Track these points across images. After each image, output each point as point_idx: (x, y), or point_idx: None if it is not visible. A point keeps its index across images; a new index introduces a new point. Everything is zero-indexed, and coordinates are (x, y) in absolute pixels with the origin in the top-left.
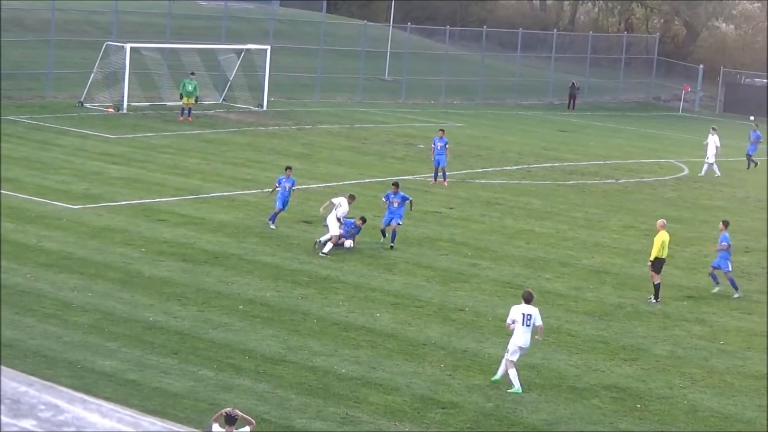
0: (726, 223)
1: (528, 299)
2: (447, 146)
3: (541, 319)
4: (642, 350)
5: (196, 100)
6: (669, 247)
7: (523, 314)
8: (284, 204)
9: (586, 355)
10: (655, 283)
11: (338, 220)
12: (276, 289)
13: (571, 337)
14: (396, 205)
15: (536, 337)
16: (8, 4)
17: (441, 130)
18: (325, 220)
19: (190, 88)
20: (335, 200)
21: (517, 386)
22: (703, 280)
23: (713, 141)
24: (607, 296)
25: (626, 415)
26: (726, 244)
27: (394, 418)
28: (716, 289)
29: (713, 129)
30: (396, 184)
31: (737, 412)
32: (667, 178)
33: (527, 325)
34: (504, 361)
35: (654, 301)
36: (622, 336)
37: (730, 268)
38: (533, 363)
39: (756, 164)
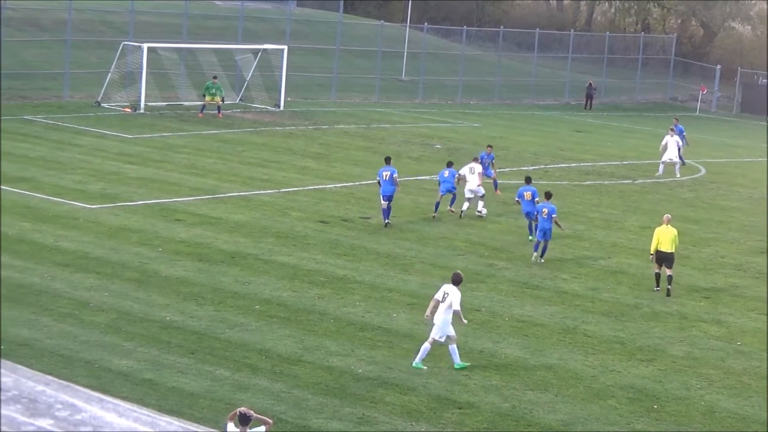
0: None
1: (454, 281)
2: (493, 162)
3: (458, 304)
4: (659, 351)
5: (222, 99)
6: (688, 248)
7: (443, 292)
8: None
9: (602, 355)
10: (656, 272)
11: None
12: (292, 289)
13: (588, 338)
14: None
15: (463, 321)
16: (24, 4)
17: (489, 146)
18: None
19: (213, 91)
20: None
21: (418, 362)
22: (720, 280)
23: (674, 141)
24: (623, 297)
25: (643, 416)
26: None
27: (410, 418)
28: None
29: (672, 129)
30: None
31: (754, 414)
32: (684, 178)
33: (443, 302)
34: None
35: (667, 294)
36: (638, 337)
37: None
38: (550, 363)
39: None
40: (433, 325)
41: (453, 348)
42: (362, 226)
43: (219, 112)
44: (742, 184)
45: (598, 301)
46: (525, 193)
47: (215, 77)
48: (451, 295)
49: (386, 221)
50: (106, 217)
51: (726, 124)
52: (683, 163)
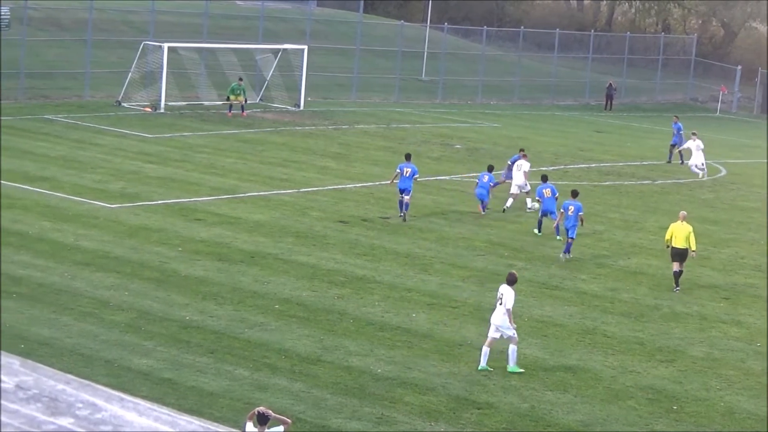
0: None
1: (509, 280)
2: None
3: (511, 303)
4: (678, 352)
5: (245, 100)
6: (707, 249)
7: (499, 293)
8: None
9: (622, 356)
10: (675, 271)
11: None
12: (312, 288)
13: (607, 339)
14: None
15: (513, 325)
16: (46, 4)
17: (521, 150)
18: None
19: (238, 91)
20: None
21: (483, 365)
22: (739, 281)
23: (696, 146)
24: (643, 297)
25: (662, 417)
26: None
27: (429, 419)
28: None
29: (694, 134)
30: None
31: None
32: (704, 179)
33: (500, 304)
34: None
35: (676, 289)
36: (658, 337)
37: None
38: (569, 364)
39: None
40: (492, 325)
41: (513, 349)
42: (382, 226)
43: (243, 111)
44: (762, 185)
45: (617, 301)
46: (544, 191)
47: (241, 79)
48: (505, 295)
49: (402, 213)
50: (126, 216)
51: (746, 124)
52: (681, 162)
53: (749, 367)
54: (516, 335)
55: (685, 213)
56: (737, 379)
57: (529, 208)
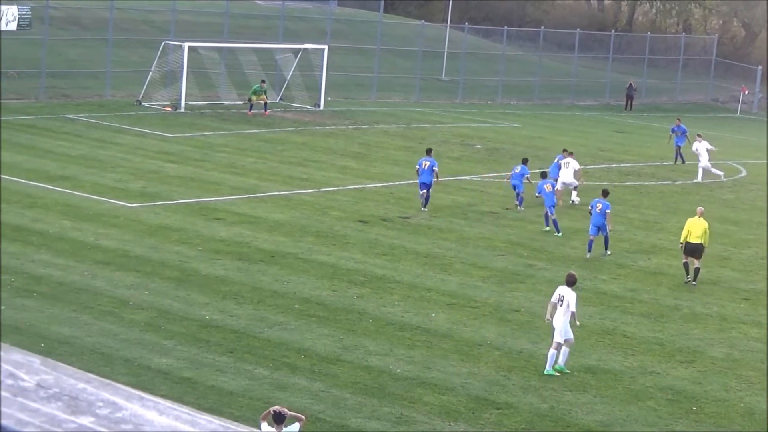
0: None
1: (568, 282)
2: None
3: (575, 305)
4: (698, 352)
5: (267, 99)
6: (728, 249)
7: (559, 295)
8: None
9: (641, 356)
10: (685, 261)
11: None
12: (332, 288)
13: (627, 339)
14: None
15: (577, 323)
16: (67, 4)
17: (565, 150)
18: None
19: (260, 92)
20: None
21: (549, 369)
22: (760, 282)
23: (703, 147)
24: (663, 298)
25: (682, 418)
26: None
27: (449, 418)
28: None
29: (699, 136)
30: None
31: None
32: (724, 179)
33: (561, 305)
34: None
35: (693, 282)
36: (678, 338)
37: None
38: (589, 365)
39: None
40: (554, 329)
41: (566, 351)
42: (401, 225)
43: (266, 110)
44: None
45: (637, 302)
46: (545, 186)
47: (263, 81)
48: (567, 297)
49: (424, 208)
50: (146, 215)
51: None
52: (683, 162)
53: None
54: (573, 338)
55: (702, 209)
56: (757, 379)
57: (572, 201)
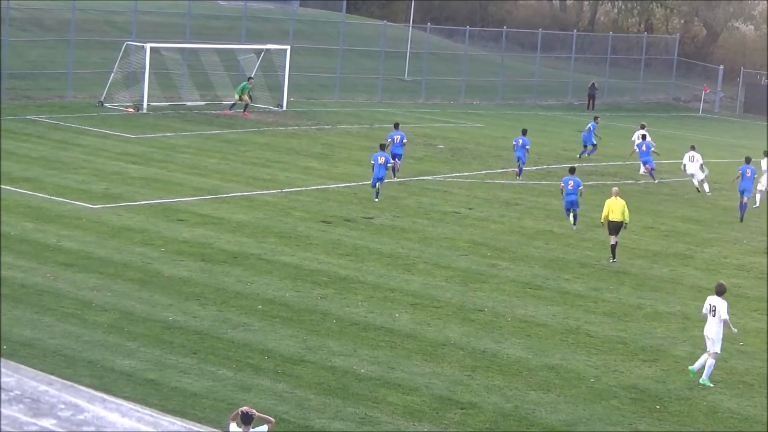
0: None
1: (718, 291)
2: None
3: (727, 313)
4: (661, 351)
5: (250, 98)
6: (691, 248)
7: (709, 305)
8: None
9: (605, 355)
10: (611, 243)
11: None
12: (295, 289)
13: (590, 338)
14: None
15: (734, 330)
16: (28, 4)
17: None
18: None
19: (247, 90)
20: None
21: (696, 369)
22: (722, 281)
23: (695, 166)
24: (626, 297)
25: (645, 416)
26: None
27: (412, 419)
28: None
29: (692, 147)
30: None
31: (757, 414)
32: (687, 178)
33: (713, 316)
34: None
35: (612, 261)
36: (641, 337)
37: None
38: (552, 364)
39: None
40: (707, 339)
41: (711, 363)
42: (365, 226)
43: (245, 111)
44: None
45: (600, 301)
46: (569, 183)
47: (250, 78)
48: (718, 307)
49: (395, 178)
50: (108, 217)
51: (729, 124)
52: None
53: (732, 366)
54: (720, 351)
55: (617, 189)
56: (720, 378)
57: (702, 186)
